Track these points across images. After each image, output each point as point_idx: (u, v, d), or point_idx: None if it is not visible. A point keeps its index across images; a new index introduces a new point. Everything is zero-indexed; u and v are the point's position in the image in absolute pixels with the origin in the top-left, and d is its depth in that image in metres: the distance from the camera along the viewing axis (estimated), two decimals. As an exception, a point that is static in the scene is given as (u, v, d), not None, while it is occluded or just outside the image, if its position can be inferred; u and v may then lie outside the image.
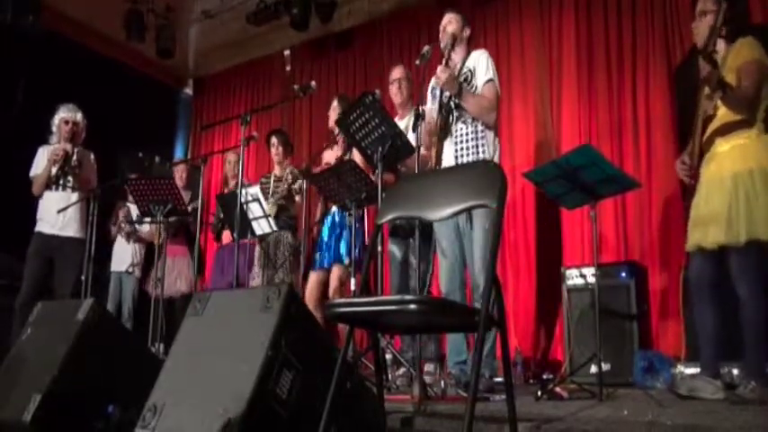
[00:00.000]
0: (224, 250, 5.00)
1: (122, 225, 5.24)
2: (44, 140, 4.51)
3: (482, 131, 3.12)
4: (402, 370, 3.51)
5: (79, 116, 4.51)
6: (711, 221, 2.58)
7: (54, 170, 4.31)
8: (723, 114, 2.65)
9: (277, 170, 4.69)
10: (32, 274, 4.21)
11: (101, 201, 4.38)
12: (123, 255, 5.32)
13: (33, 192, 4.38)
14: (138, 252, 5.35)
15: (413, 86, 3.97)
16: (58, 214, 4.26)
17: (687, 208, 2.75)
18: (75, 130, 4.46)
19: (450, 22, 3.29)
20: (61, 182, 4.34)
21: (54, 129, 4.49)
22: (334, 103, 4.26)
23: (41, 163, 4.40)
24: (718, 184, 2.61)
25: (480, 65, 3.19)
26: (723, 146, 2.64)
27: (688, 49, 4.08)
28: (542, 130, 4.80)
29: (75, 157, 4.37)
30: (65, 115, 4.46)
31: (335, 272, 4.03)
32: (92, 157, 4.56)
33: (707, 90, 2.61)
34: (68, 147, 4.35)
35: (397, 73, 4.00)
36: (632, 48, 4.50)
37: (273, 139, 4.68)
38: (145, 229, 5.29)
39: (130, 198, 4.62)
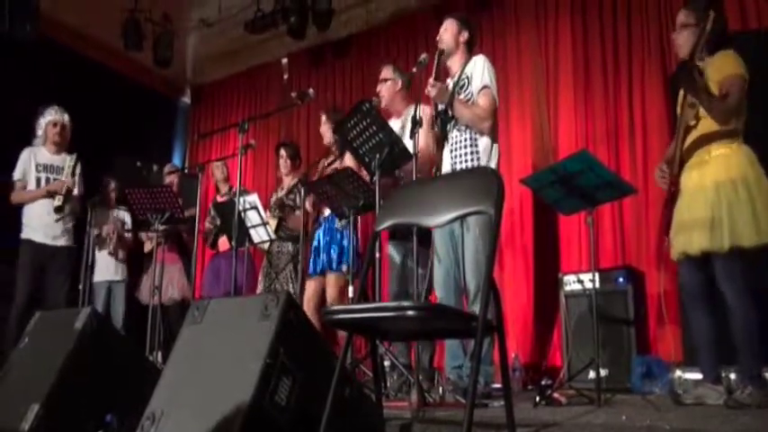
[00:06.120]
0: (220, 258, 4.99)
1: (112, 235, 5.14)
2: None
3: (476, 139, 3.10)
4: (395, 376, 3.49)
5: (66, 118, 4.43)
6: (695, 228, 2.61)
7: (55, 203, 4.22)
8: (705, 125, 2.68)
9: (285, 183, 4.65)
10: (26, 284, 4.14)
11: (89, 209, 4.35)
12: (109, 263, 5.20)
13: (12, 200, 4.29)
14: (124, 259, 5.28)
15: (402, 83, 3.81)
16: (54, 223, 4.20)
17: (668, 216, 2.76)
18: (63, 132, 4.39)
19: (446, 30, 3.27)
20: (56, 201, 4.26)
21: (40, 132, 4.41)
22: (324, 119, 4.26)
23: (25, 166, 4.32)
24: (701, 192, 2.63)
25: (477, 71, 3.15)
26: (705, 156, 2.67)
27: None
28: (539, 135, 4.82)
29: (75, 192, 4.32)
30: (52, 118, 4.38)
31: (331, 280, 4.02)
32: (79, 164, 4.43)
33: (690, 99, 2.66)
34: (69, 182, 4.28)
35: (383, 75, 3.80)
36: (628, 53, 4.53)
37: (282, 152, 4.64)
38: (127, 235, 5.23)
39: (123, 207, 4.58)
